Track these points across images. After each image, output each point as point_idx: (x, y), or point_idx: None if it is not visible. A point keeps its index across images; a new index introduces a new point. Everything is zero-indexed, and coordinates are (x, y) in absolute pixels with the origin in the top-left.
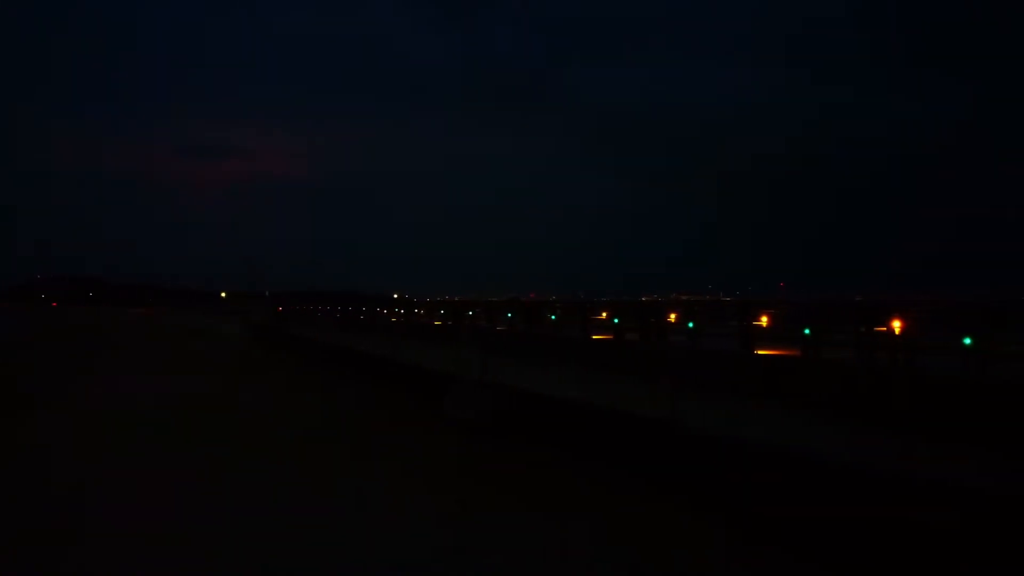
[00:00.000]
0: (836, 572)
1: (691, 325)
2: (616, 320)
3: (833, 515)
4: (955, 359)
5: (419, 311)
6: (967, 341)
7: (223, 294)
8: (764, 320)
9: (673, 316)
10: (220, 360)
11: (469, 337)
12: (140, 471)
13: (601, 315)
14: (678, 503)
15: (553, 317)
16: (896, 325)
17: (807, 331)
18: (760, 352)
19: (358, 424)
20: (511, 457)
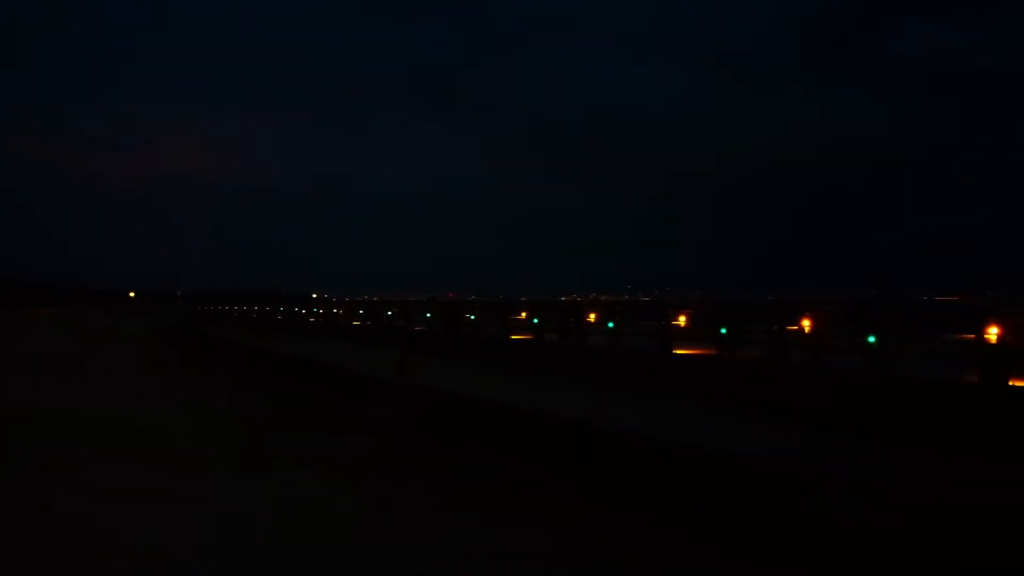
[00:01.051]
0: (764, 565)
1: (611, 325)
2: (536, 320)
3: (755, 510)
4: (859, 357)
5: (339, 311)
6: (871, 339)
7: (131, 294)
8: (682, 320)
9: (593, 316)
10: (119, 360)
11: (388, 337)
12: None
13: (521, 315)
14: (599, 502)
15: (472, 317)
16: (806, 324)
17: (723, 330)
18: (678, 351)
19: (269, 426)
20: (432, 458)
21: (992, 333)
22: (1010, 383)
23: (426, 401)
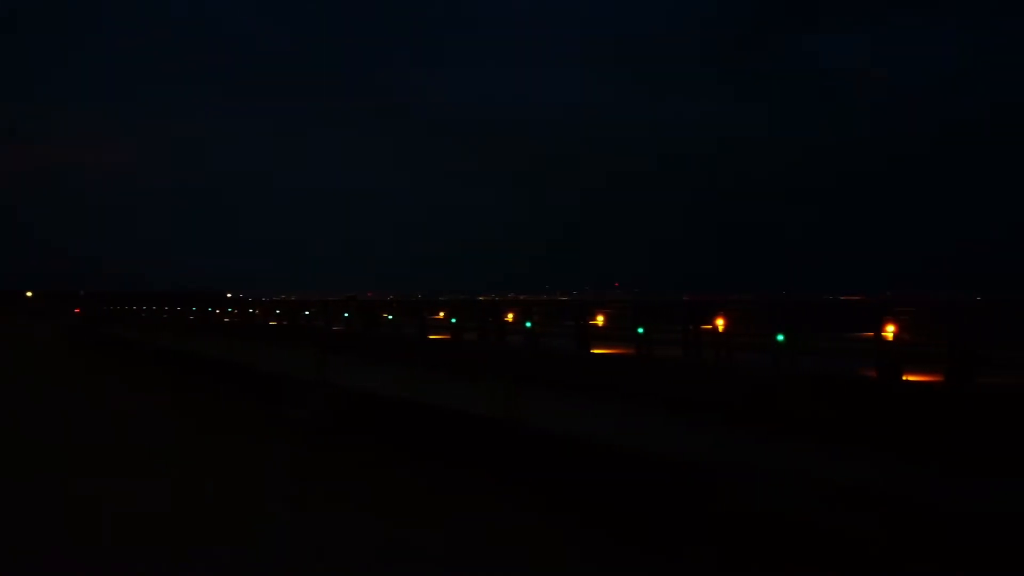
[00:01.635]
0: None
1: (529, 325)
2: (454, 320)
3: (661, 502)
4: (769, 354)
5: (255, 311)
6: (780, 338)
7: (28, 293)
8: (600, 320)
9: (511, 316)
10: (9, 362)
11: (306, 337)
12: None
13: (439, 315)
14: (520, 502)
15: (391, 317)
16: (720, 323)
17: (640, 330)
18: (596, 351)
19: (178, 429)
20: (350, 458)
21: (889, 331)
22: (904, 377)
23: (344, 401)
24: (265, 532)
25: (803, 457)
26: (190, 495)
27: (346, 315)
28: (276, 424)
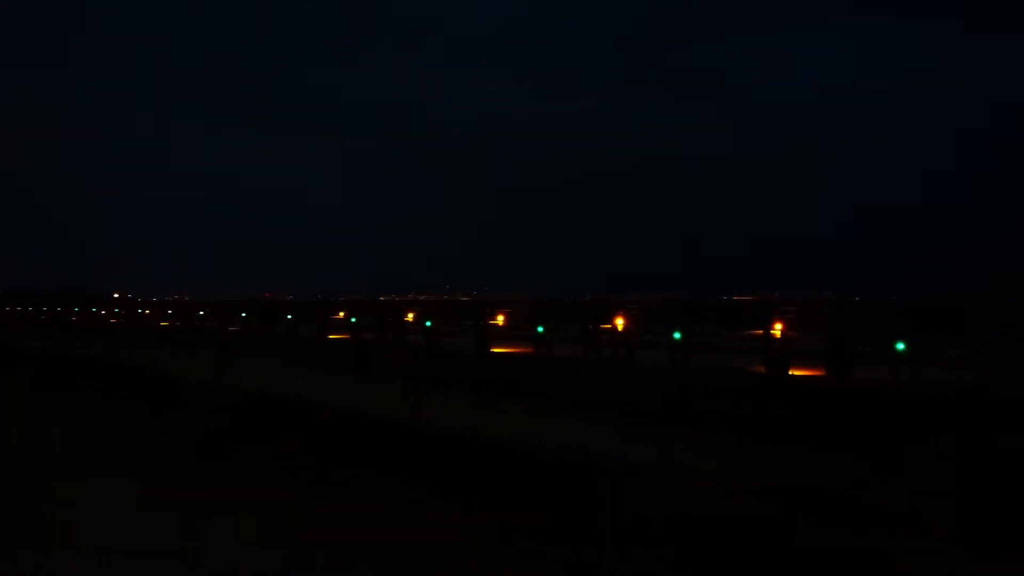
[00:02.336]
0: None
1: (428, 324)
2: (354, 320)
3: (576, 502)
4: (666, 351)
5: (145, 311)
6: (677, 335)
7: None
8: (501, 319)
9: (411, 315)
10: None
11: (201, 338)
12: None
13: (339, 315)
14: (422, 500)
15: (290, 317)
16: (619, 323)
17: (540, 329)
18: (496, 350)
19: (61, 436)
20: (249, 461)
21: (777, 329)
22: (790, 372)
23: (241, 402)
24: (154, 535)
25: (698, 451)
26: (73, 501)
27: (244, 315)
28: (169, 429)
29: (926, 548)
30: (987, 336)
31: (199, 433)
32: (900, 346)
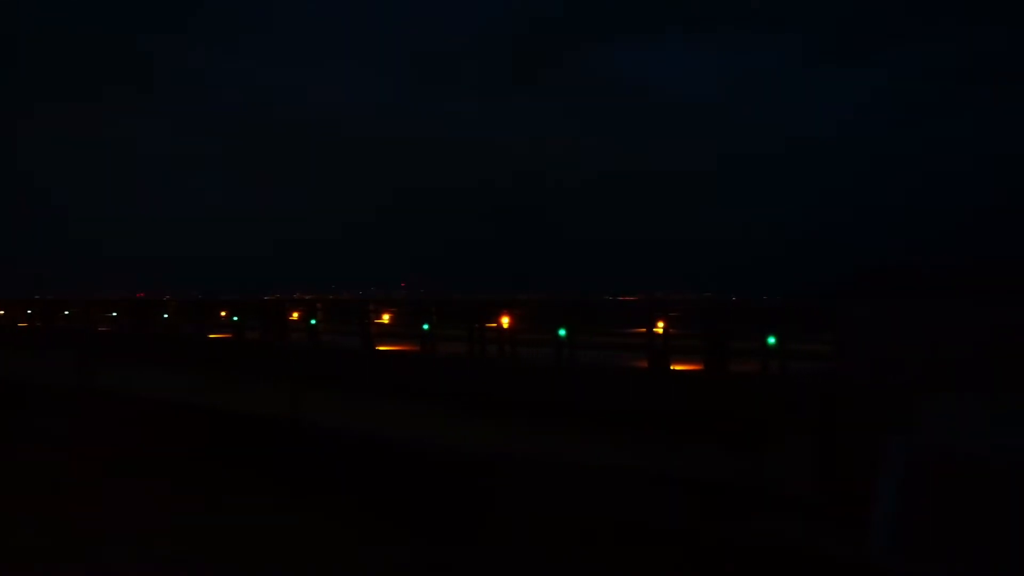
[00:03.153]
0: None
1: (313, 322)
2: (236, 318)
3: (460, 498)
4: (551, 349)
5: None
6: (562, 333)
7: None
8: (387, 318)
9: (296, 314)
10: None
11: (64, 339)
12: None
13: (221, 314)
14: (307, 500)
15: (167, 316)
16: (505, 321)
17: (426, 326)
18: (382, 348)
19: None
20: (118, 468)
21: (660, 326)
22: (671, 367)
23: (109, 407)
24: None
25: (584, 444)
26: None
27: (114, 315)
28: (25, 436)
29: (795, 526)
30: (838, 329)
31: (55, 439)
32: (771, 340)
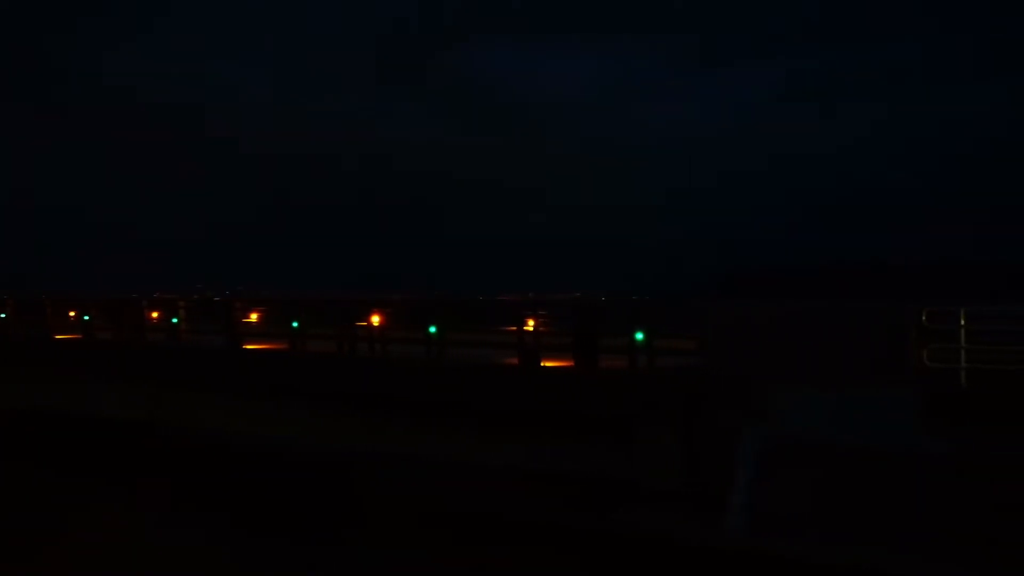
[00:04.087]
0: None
1: (175, 321)
2: (87, 318)
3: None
4: (422, 347)
5: None
6: (432, 330)
7: None
8: (254, 317)
9: (155, 313)
10: None
11: None
12: None
13: (70, 313)
14: (163, 504)
15: (3, 316)
16: (375, 320)
17: (295, 324)
18: (249, 347)
19: None
20: None
21: (530, 324)
22: (542, 363)
23: None
24: None
25: (455, 440)
26: None
27: None
28: None
29: (662, 516)
30: (703, 326)
31: None
32: (639, 336)
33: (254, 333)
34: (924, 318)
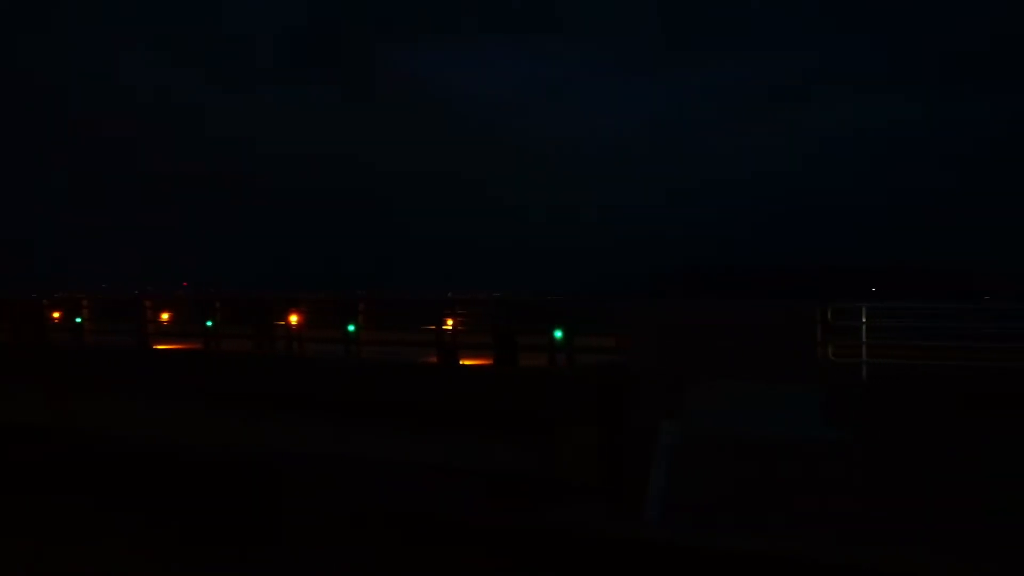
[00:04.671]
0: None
1: (79, 321)
2: None
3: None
4: (342, 346)
5: None
6: (351, 328)
7: None
8: (166, 316)
9: (57, 313)
10: None
11: None
12: None
13: None
14: (79, 511)
15: None
16: (293, 319)
17: (209, 323)
18: (160, 347)
19: None
20: None
21: (449, 323)
22: (461, 362)
23: None
24: None
25: (373, 439)
26: None
27: None
28: None
29: (581, 510)
30: (626, 325)
31: None
32: (558, 334)
33: (166, 333)
34: (829, 316)
